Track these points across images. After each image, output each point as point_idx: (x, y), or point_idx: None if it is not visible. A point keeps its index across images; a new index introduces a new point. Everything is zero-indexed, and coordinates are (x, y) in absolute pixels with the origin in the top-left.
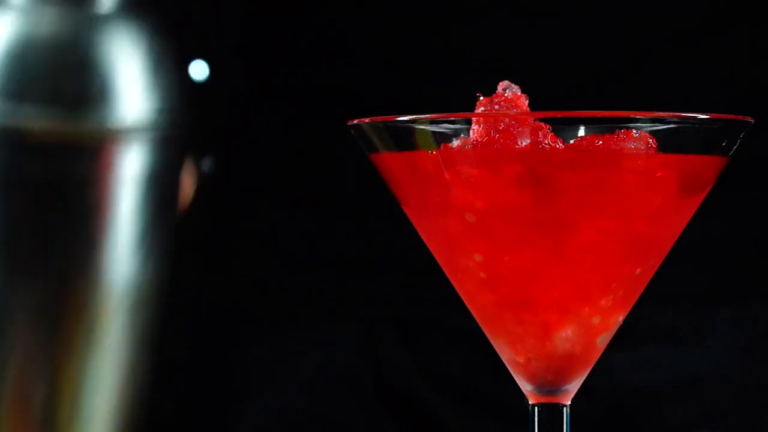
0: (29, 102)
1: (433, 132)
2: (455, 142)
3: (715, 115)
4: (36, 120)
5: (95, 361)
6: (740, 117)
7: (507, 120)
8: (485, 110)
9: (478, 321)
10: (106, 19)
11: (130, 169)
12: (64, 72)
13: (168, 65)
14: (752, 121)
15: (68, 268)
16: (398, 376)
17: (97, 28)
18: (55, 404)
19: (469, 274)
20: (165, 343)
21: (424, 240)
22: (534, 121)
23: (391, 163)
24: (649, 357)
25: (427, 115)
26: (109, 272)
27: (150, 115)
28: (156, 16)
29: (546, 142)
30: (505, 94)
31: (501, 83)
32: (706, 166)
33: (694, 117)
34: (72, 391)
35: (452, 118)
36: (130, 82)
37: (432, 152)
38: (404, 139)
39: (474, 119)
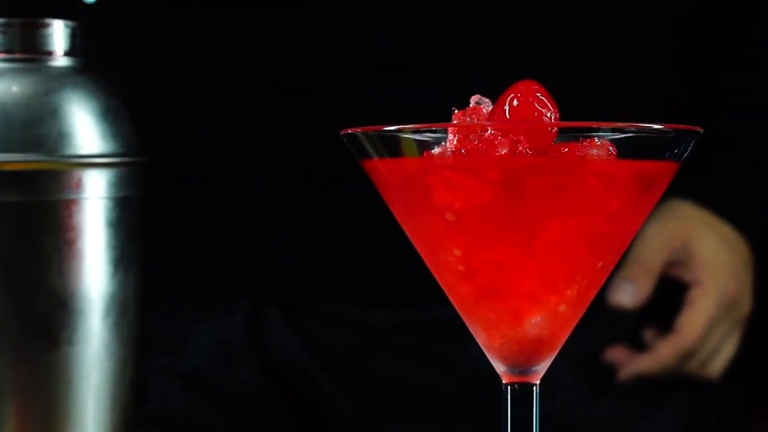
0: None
1: (416, 140)
2: (436, 149)
3: (669, 125)
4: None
5: (83, 360)
6: (690, 127)
7: (480, 131)
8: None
9: (457, 309)
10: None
11: (99, 194)
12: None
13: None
14: (701, 130)
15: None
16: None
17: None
18: (50, 400)
19: (449, 267)
20: None
21: (409, 237)
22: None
23: (380, 168)
24: None
25: (411, 125)
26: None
27: (108, 149)
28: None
29: (520, 149)
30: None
31: (473, 97)
32: (661, 171)
33: (650, 126)
34: (64, 390)
35: (433, 128)
36: (88, 126)
37: (416, 158)
38: (392, 147)
39: (450, 129)
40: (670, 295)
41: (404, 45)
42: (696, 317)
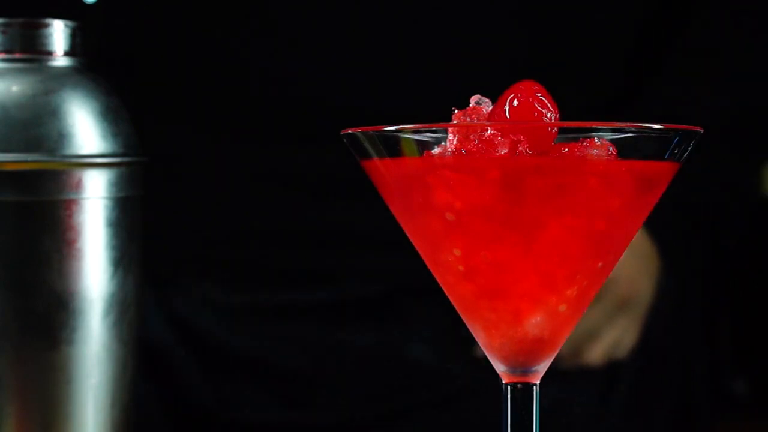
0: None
1: (416, 140)
2: (436, 149)
3: (669, 126)
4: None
5: (83, 360)
6: (690, 127)
7: (480, 131)
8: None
9: (457, 309)
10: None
11: (99, 194)
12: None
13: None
14: (701, 130)
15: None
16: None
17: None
18: (50, 400)
19: (449, 267)
20: None
21: (410, 237)
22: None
23: (380, 168)
24: None
25: (411, 125)
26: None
27: (107, 149)
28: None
29: (520, 149)
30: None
31: (473, 97)
32: (661, 171)
33: (650, 127)
34: (64, 390)
35: (433, 128)
36: (88, 126)
37: (417, 158)
38: (392, 147)
39: (450, 129)
40: None
41: (402, 46)
42: None
